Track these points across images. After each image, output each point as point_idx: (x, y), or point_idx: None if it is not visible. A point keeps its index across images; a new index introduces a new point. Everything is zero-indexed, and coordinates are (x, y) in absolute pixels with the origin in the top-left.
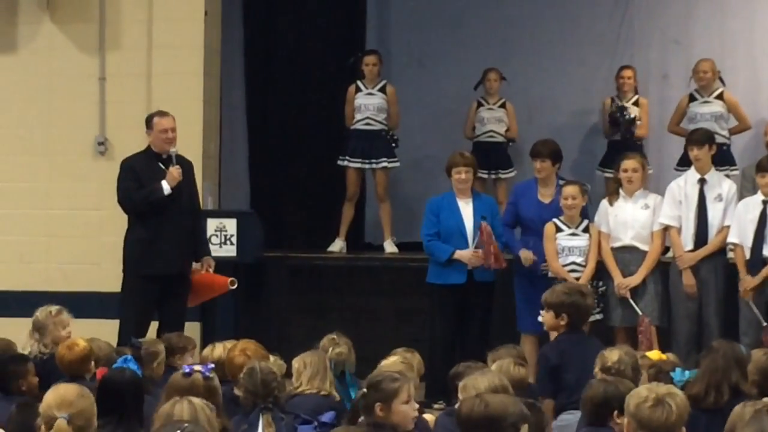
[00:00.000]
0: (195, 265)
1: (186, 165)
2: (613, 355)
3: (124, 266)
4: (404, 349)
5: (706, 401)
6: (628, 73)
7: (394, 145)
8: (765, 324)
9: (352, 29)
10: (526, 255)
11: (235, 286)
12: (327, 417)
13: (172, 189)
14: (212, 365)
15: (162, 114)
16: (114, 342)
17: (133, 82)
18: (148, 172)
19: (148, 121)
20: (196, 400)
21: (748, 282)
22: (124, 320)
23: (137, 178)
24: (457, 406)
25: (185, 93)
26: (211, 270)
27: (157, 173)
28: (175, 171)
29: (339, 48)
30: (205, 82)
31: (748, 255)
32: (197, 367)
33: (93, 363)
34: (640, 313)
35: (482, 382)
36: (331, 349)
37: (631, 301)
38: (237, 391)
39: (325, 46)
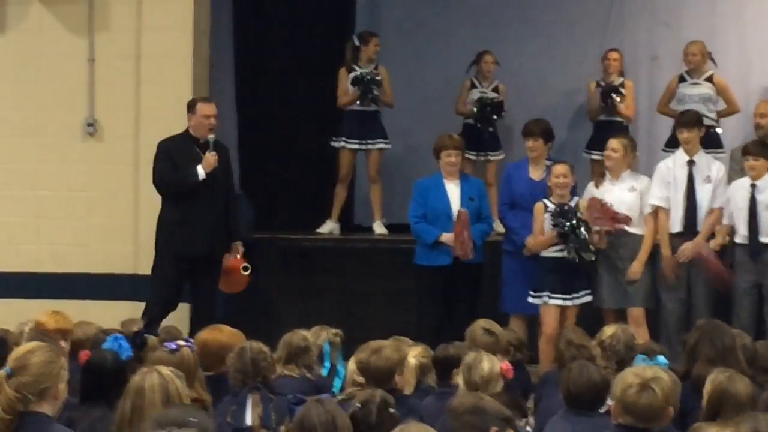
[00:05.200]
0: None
1: (222, 150)
2: (609, 329)
3: (156, 246)
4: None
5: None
6: (614, 55)
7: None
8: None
9: (342, 10)
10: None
11: (248, 272)
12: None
13: (207, 175)
14: (193, 340)
15: (206, 100)
16: (106, 324)
17: (122, 64)
18: (183, 155)
19: (191, 106)
20: (165, 370)
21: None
22: (153, 300)
23: (172, 160)
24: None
25: (174, 74)
26: (239, 255)
27: (193, 157)
28: (211, 157)
29: (328, 29)
30: (194, 64)
31: (741, 240)
32: (181, 342)
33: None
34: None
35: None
36: (324, 333)
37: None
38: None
39: (315, 27)
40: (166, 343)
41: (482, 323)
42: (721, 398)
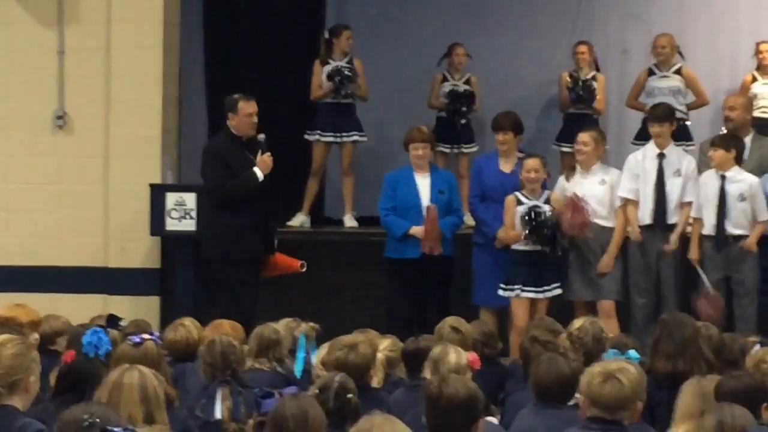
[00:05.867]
0: None
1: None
2: (577, 322)
3: (219, 254)
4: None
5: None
6: (582, 48)
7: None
8: (710, 291)
9: (313, 3)
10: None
11: (305, 269)
12: (288, 391)
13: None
14: (158, 333)
15: (246, 98)
16: (75, 317)
17: (92, 56)
18: (235, 158)
19: (232, 105)
20: (145, 369)
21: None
22: (242, 309)
23: (226, 165)
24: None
25: (145, 66)
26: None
27: (243, 158)
28: (268, 159)
29: (299, 22)
30: (164, 56)
31: (710, 231)
32: (146, 336)
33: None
34: (707, 284)
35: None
36: (302, 325)
37: (700, 271)
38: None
39: (285, 19)
40: (130, 337)
41: (450, 321)
42: None
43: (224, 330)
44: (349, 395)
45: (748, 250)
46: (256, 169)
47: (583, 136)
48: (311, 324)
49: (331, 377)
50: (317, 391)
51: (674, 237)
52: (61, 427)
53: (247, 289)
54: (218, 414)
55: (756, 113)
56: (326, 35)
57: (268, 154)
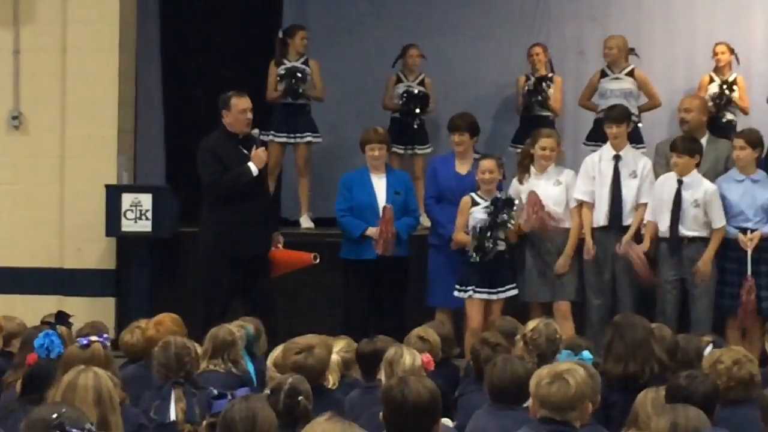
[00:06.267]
0: None
1: (256, 141)
2: (531, 323)
3: (208, 248)
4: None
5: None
6: (537, 50)
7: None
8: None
9: (270, 3)
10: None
11: (318, 260)
12: (241, 392)
13: (259, 171)
14: (107, 335)
15: (239, 94)
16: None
17: (47, 56)
18: (229, 154)
19: (226, 102)
20: (100, 371)
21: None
22: (211, 301)
23: (221, 161)
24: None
25: (100, 67)
26: (280, 246)
27: (238, 154)
28: (262, 153)
29: (256, 21)
30: (120, 56)
31: (666, 234)
32: (94, 338)
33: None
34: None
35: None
36: (250, 325)
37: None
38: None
39: (242, 20)
40: (78, 339)
41: (417, 331)
42: None
43: (166, 325)
44: (300, 397)
45: (704, 256)
46: (250, 164)
47: (549, 142)
48: (257, 323)
49: (284, 379)
50: (269, 392)
51: (626, 237)
52: (29, 427)
53: (222, 284)
54: (172, 415)
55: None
56: (280, 35)
57: (263, 148)
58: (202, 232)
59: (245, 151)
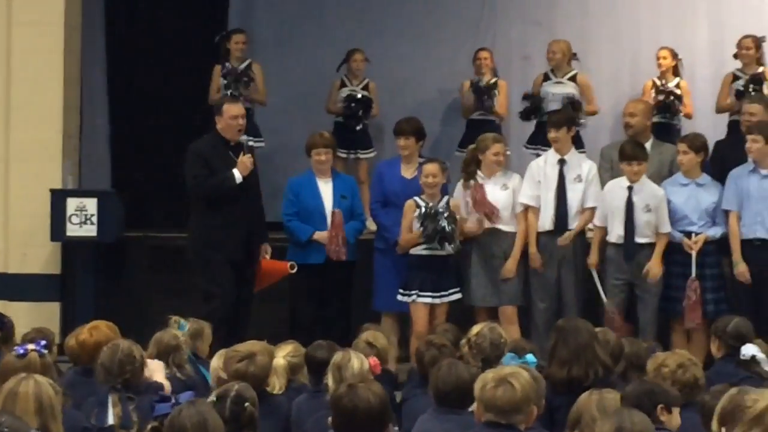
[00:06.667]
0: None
1: (252, 151)
2: (476, 328)
3: (200, 252)
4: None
5: (587, 381)
6: (484, 54)
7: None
8: (605, 300)
9: (215, 6)
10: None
11: (295, 270)
12: (185, 396)
13: (243, 178)
14: (44, 341)
15: (232, 100)
16: None
17: None
18: (217, 158)
19: (218, 108)
20: (42, 379)
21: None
22: (215, 302)
23: (207, 165)
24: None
25: (45, 70)
26: (267, 256)
27: (226, 160)
28: (247, 160)
29: (201, 25)
30: (65, 60)
31: (615, 240)
32: (30, 346)
33: None
34: (602, 295)
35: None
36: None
37: (597, 280)
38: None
39: (188, 23)
40: (16, 348)
41: (366, 336)
42: None
43: (101, 330)
44: (246, 404)
45: (653, 259)
46: (234, 171)
47: (501, 147)
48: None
49: (230, 386)
50: (215, 399)
51: (570, 234)
52: None
53: (217, 288)
54: (110, 420)
55: (656, 119)
56: (217, 40)
57: (249, 156)
58: (188, 237)
59: (234, 158)
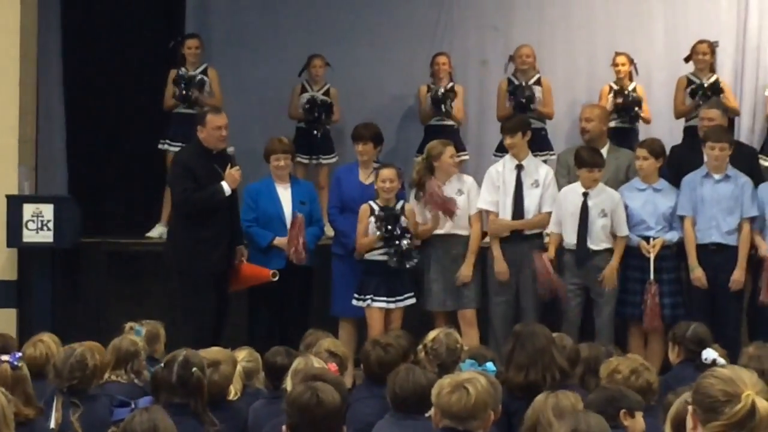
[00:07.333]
0: None
1: (231, 159)
2: (432, 333)
3: (182, 266)
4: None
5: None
6: (442, 59)
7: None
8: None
9: (171, 12)
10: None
11: (277, 278)
12: (144, 401)
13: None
14: (20, 354)
15: (215, 111)
16: None
17: None
18: (203, 170)
19: (202, 118)
20: None
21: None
22: (204, 322)
23: (194, 178)
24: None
25: (1, 76)
26: (244, 259)
27: (211, 172)
28: (236, 173)
29: (158, 31)
30: (21, 65)
31: (572, 246)
32: (4, 357)
33: None
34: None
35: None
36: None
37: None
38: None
39: (144, 28)
40: None
41: (327, 344)
42: None
43: (45, 342)
44: (194, 369)
45: (611, 263)
46: (223, 183)
47: (452, 150)
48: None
49: (178, 352)
50: (162, 365)
51: (517, 224)
52: None
53: (206, 303)
54: (52, 424)
55: (613, 123)
56: (171, 45)
57: (237, 168)
58: (170, 249)
59: (219, 169)
